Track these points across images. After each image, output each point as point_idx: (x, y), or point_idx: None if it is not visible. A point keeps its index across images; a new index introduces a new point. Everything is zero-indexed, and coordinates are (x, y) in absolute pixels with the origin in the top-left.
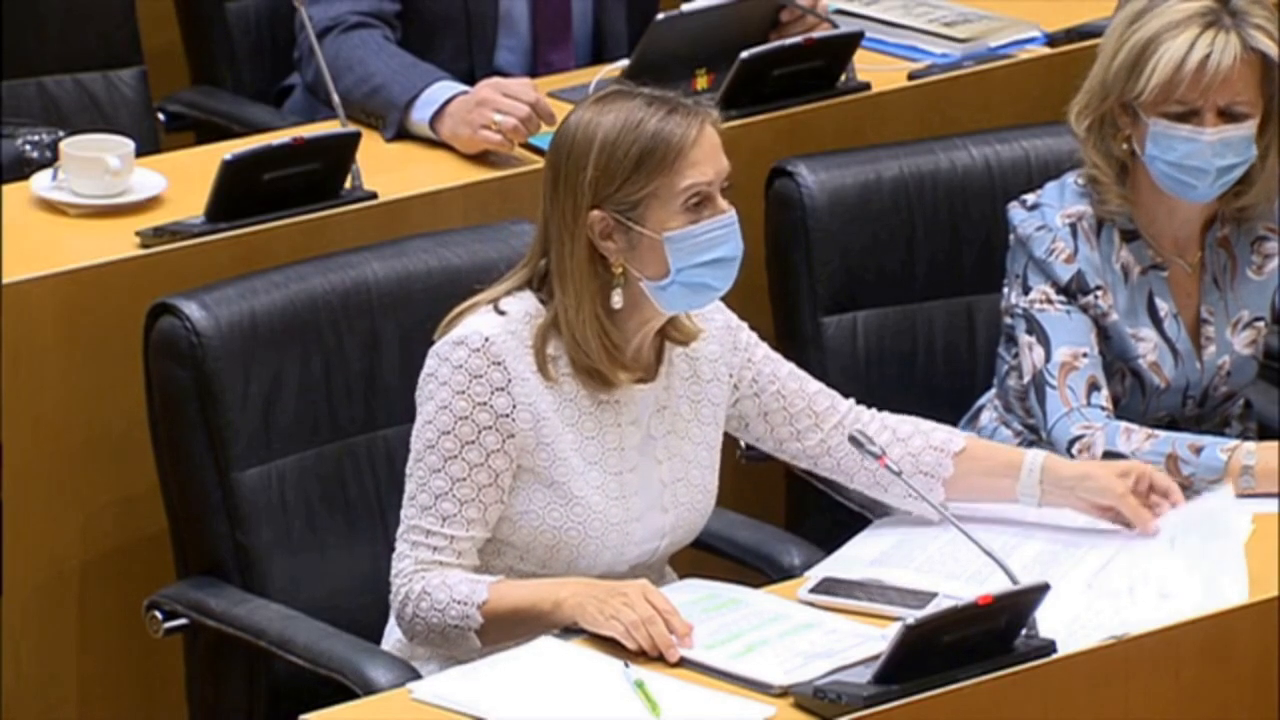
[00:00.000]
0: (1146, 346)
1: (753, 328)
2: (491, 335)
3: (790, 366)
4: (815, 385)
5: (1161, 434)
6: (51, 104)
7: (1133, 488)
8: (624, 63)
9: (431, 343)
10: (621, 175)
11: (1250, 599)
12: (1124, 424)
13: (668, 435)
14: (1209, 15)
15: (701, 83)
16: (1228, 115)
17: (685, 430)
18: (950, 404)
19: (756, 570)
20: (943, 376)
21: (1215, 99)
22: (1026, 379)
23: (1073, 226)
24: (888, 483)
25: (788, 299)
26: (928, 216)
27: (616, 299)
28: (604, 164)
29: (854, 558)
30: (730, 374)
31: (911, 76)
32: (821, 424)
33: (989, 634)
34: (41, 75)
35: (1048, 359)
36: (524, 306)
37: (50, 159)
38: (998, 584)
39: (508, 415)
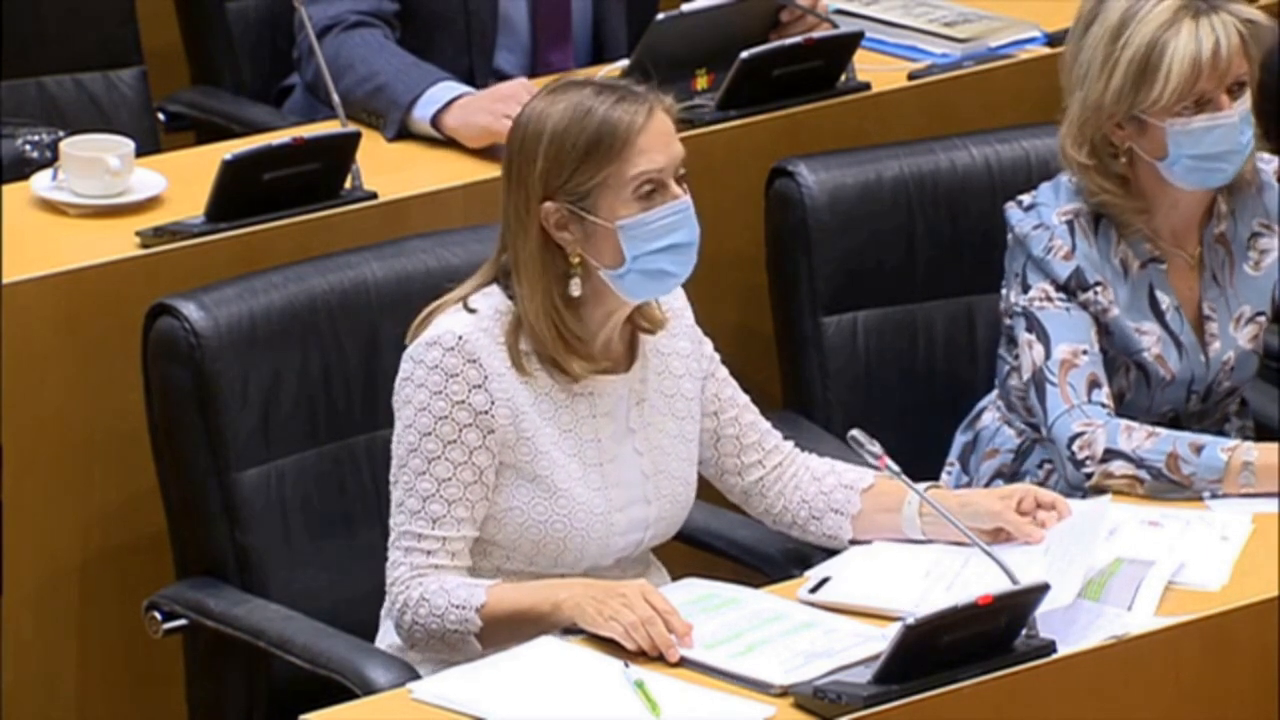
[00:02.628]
0: (1150, 340)
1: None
2: (464, 333)
3: (746, 397)
4: (765, 423)
5: (1163, 432)
6: (51, 104)
7: (1016, 507)
8: (624, 63)
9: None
10: (571, 165)
11: (1249, 599)
12: (1125, 421)
13: (646, 428)
14: (1190, 5)
15: (701, 83)
16: (1233, 91)
17: (662, 424)
18: (950, 404)
19: (756, 570)
20: (943, 376)
21: (1226, 81)
22: (1026, 377)
23: (1070, 224)
24: (804, 521)
25: (788, 299)
26: (928, 216)
27: (575, 288)
28: (553, 155)
29: (854, 558)
30: (701, 375)
31: (911, 76)
32: (765, 462)
33: (989, 634)
34: (41, 75)
35: (1048, 356)
36: (493, 302)
37: (50, 159)
38: (997, 584)
39: (486, 412)
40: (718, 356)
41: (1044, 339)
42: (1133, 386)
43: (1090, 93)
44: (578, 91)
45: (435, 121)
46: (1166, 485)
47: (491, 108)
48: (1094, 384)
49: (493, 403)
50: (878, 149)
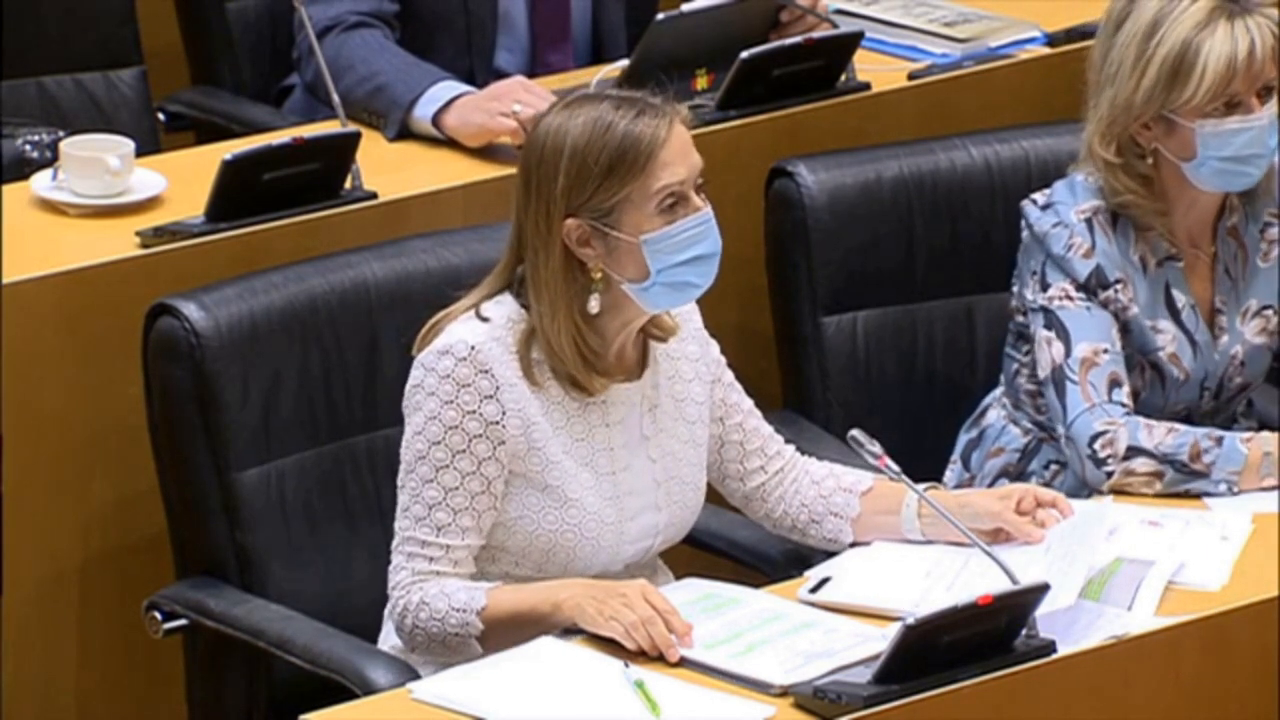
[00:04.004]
0: (1165, 338)
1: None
2: (477, 343)
3: (750, 402)
4: (767, 427)
5: (1182, 428)
6: (51, 104)
7: (1015, 507)
8: (624, 63)
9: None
10: (593, 182)
11: (1249, 599)
12: (1143, 419)
13: (659, 434)
14: (1224, 7)
15: (701, 83)
16: (1262, 95)
17: (674, 429)
18: (950, 404)
19: (756, 570)
20: (943, 376)
21: (1257, 84)
22: (1044, 374)
23: (1088, 221)
24: (804, 525)
25: (788, 299)
26: (928, 216)
27: (593, 304)
28: (575, 172)
29: (854, 558)
30: (709, 378)
31: (911, 76)
32: (767, 468)
33: (989, 634)
34: (41, 75)
35: (1068, 354)
36: (505, 311)
37: (50, 159)
38: (997, 584)
39: (497, 422)
40: (724, 360)
41: (1064, 337)
42: (1147, 385)
43: (1121, 91)
44: (595, 106)
45: (436, 121)
46: (1187, 477)
47: (487, 106)
48: (1114, 383)
49: (504, 413)
50: (878, 149)
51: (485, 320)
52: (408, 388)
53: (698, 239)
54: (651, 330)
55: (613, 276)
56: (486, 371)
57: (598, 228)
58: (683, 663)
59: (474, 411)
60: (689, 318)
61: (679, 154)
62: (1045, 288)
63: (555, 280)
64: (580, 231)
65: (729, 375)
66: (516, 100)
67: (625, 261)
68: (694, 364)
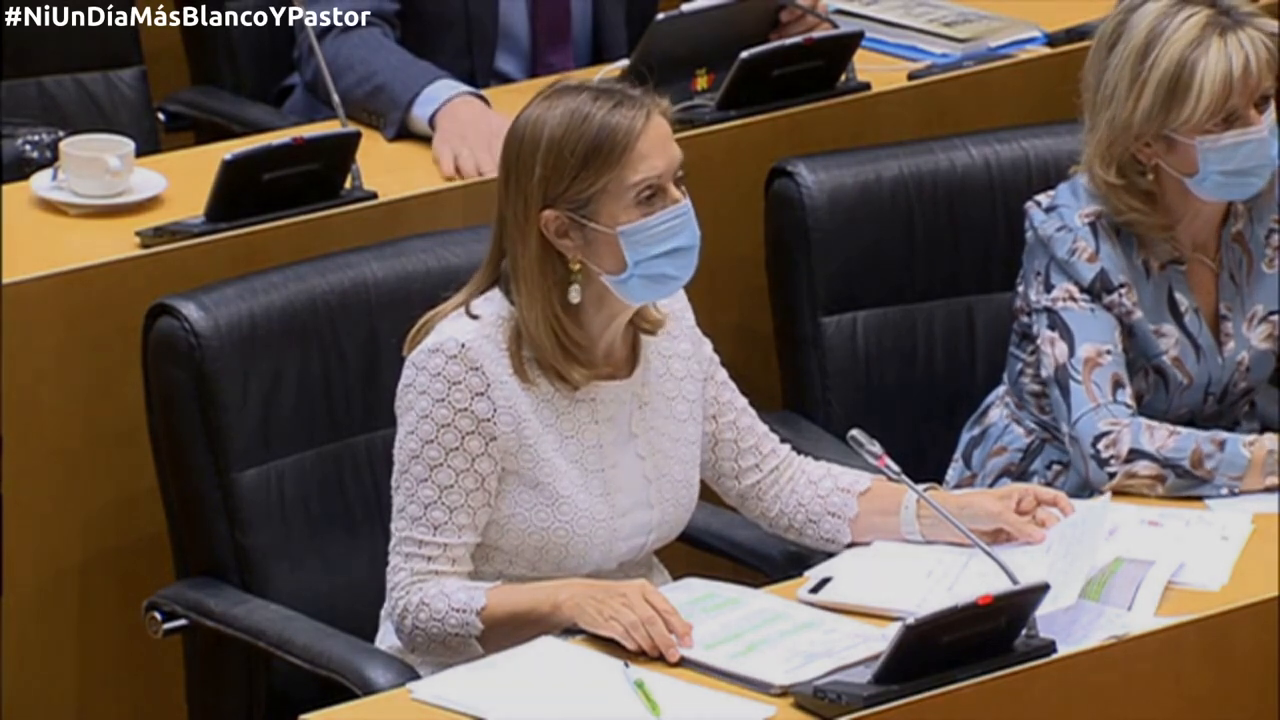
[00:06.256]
0: (1168, 342)
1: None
2: (467, 341)
3: (744, 400)
4: (763, 426)
5: (1184, 431)
6: (51, 104)
7: (1015, 507)
8: (624, 63)
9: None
10: (570, 173)
11: (1249, 599)
12: (1145, 421)
13: (649, 432)
14: (1216, 22)
15: (701, 83)
16: (1260, 106)
17: (664, 427)
18: (950, 404)
19: (756, 570)
20: (942, 376)
21: (1254, 96)
22: (1047, 373)
23: (1092, 226)
24: (800, 525)
25: (788, 299)
26: (928, 216)
27: (574, 294)
28: (551, 163)
29: (855, 558)
30: (702, 376)
31: (911, 76)
32: (762, 466)
33: (989, 634)
34: (41, 75)
35: (1071, 354)
36: (495, 309)
37: (50, 159)
38: (998, 584)
39: (489, 419)
40: (717, 358)
41: (1068, 337)
42: (1151, 390)
43: (1118, 113)
44: (574, 97)
45: (433, 121)
46: (1189, 482)
47: (457, 145)
48: (1118, 384)
49: (495, 410)
50: (877, 149)
51: (475, 318)
52: (399, 387)
53: (675, 231)
54: (639, 323)
55: (591, 268)
56: (477, 369)
57: (575, 219)
58: (683, 663)
59: (465, 409)
60: (681, 315)
61: (656, 146)
62: (1049, 289)
63: (533, 270)
64: (558, 223)
65: (722, 374)
66: (469, 147)
67: (603, 253)
68: (686, 362)
